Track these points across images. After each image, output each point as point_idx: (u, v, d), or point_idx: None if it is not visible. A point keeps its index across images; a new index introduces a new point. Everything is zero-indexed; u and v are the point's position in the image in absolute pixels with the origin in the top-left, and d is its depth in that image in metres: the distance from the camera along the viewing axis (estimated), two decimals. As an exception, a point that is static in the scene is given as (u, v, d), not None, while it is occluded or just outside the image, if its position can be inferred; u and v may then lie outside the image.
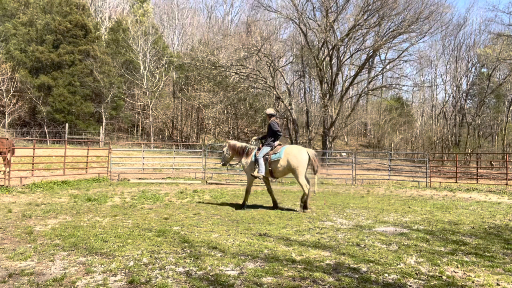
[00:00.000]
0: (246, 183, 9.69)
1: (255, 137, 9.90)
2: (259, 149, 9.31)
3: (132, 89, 38.64)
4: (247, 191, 9.50)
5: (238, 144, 9.65)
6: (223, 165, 9.74)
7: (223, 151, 9.62)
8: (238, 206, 9.62)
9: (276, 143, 9.31)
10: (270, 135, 9.26)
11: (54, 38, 35.43)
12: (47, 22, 36.21)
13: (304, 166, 8.95)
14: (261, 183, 16.86)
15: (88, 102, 35.37)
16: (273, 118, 9.35)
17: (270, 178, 9.62)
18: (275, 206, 9.53)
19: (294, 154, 9.00)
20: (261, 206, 9.92)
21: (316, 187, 9.45)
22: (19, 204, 9.24)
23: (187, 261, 5.02)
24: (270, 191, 9.69)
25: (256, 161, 9.13)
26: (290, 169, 9.03)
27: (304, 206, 9.12)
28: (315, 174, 9.24)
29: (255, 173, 9.05)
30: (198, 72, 40.20)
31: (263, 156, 9.09)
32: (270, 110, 9.43)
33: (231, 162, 10.14)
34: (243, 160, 9.46)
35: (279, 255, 5.42)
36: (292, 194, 13.05)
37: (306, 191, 9.01)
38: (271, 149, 9.18)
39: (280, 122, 9.90)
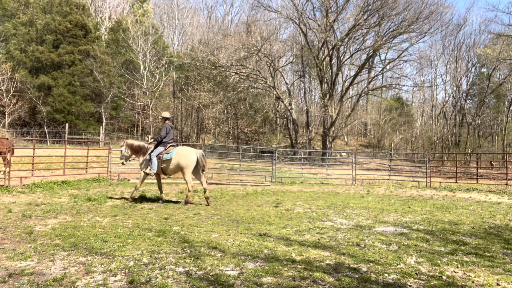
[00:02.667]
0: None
1: (151, 137, 10.59)
2: (154, 148, 10.01)
3: (132, 89, 38.63)
4: (138, 186, 10.15)
5: (136, 143, 10.30)
6: (122, 163, 10.32)
7: (121, 151, 10.16)
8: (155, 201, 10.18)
9: (169, 144, 10.04)
10: (163, 136, 9.97)
11: (54, 38, 35.43)
12: (47, 22, 36.21)
13: (192, 165, 9.83)
14: (261, 183, 16.86)
15: (88, 102, 35.37)
16: (167, 122, 10.14)
17: (162, 175, 10.32)
18: (160, 200, 10.22)
19: (184, 155, 9.83)
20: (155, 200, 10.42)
21: (205, 184, 10.18)
22: (19, 204, 9.24)
23: (187, 261, 5.02)
24: (160, 187, 10.38)
25: (150, 159, 9.87)
26: (180, 168, 9.86)
27: (186, 202, 9.89)
28: (202, 172, 10.19)
29: (147, 170, 9.89)
30: (198, 72, 40.20)
31: (157, 155, 9.82)
32: (166, 114, 10.31)
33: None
34: (141, 158, 10.14)
35: (279, 255, 5.42)
36: (292, 194, 13.05)
37: (190, 188, 9.89)
38: (165, 149, 9.92)
39: (173, 126, 10.64)
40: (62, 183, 13.17)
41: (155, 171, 9.76)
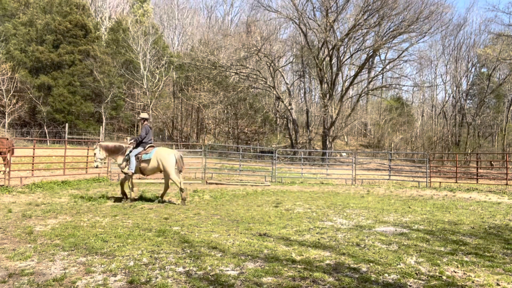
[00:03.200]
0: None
1: (130, 137, 10.74)
2: (133, 148, 10.11)
3: (132, 89, 38.63)
4: (130, 186, 10.20)
5: (111, 144, 10.40)
6: (96, 166, 10.31)
7: (95, 153, 10.11)
8: (119, 199, 10.22)
9: (148, 144, 10.16)
10: (143, 137, 10.07)
11: (54, 38, 35.44)
12: (47, 22, 36.21)
13: (172, 166, 9.96)
14: (261, 183, 16.86)
15: (88, 102, 35.38)
16: (146, 122, 10.28)
17: (139, 175, 10.50)
18: (125, 197, 10.29)
19: (163, 155, 9.96)
20: (150, 200, 10.47)
21: (182, 185, 10.27)
22: (19, 204, 9.24)
23: (187, 261, 5.02)
24: (131, 186, 10.36)
25: (128, 159, 9.98)
26: (159, 169, 10.01)
27: (183, 200, 10.01)
28: (180, 172, 10.32)
29: (125, 170, 9.96)
30: (198, 72, 40.20)
31: (135, 155, 9.93)
32: (144, 115, 10.49)
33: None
34: (118, 158, 10.20)
35: (279, 255, 5.42)
36: (292, 194, 13.05)
37: (181, 186, 10.01)
38: (144, 150, 10.05)
39: (152, 126, 10.71)
40: (62, 183, 13.17)
41: (133, 171, 9.86)
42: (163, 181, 15.97)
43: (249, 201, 10.95)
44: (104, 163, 10.75)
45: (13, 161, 14.43)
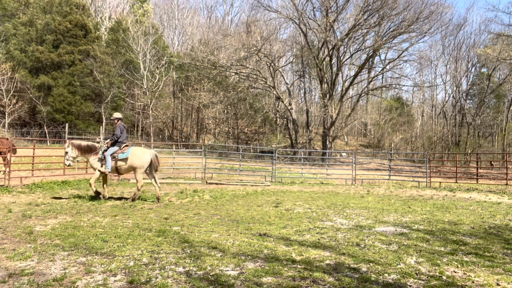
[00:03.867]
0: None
1: (102, 137, 10.86)
2: (107, 148, 10.15)
3: (132, 89, 38.63)
4: (91, 184, 10.21)
5: (84, 143, 10.43)
6: (68, 165, 10.32)
7: (67, 152, 10.13)
8: (92, 198, 10.23)
9: (124, 144, 10.33)
10: (118, 136, 10.19)
11: (54, 38, 35.43)
12: (47, 22, 36.21)
13: (145, 165, 10.23)
14: (261, 183, 16.86)
15: (88, 102, 35.38)
16: (120, 122, 10.41)
17: (114, 174, 10.59)
18: (98, 196, 10.25)
19: (138, 155, 10.17)
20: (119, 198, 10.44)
21: (157, 183, 10.56)
22: (19, 204, 9.24)
23: (187, 261, 5.02)
24: (104, 185, 10.48)
25: (104, 158, 10.06)
26: (133, 167, 10.16)
27: (133, 199, 10.16)
28: (156, 172, 10.59)
29: (102, 169, 10.03)
30: (198, 72, 40.20)
31: (111, 154, 10.04)
32: (118, 114, 10.63)
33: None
34: (91, 157, 10.26)
35: (279, 255, 5.42)
36: (292, 194, 13.05)
37: (139, 187, 10.19)
38: (119, 149, 10.18)
39: (126, 126, 10.79)
40: (62, 183, 13.17)
41: (109, 170, 9.98)
42: (163, 180, 16.00)
43: (249, 201, 10.95)
44: (77, 161, 10.78)
45: (13, 161, 14.43)
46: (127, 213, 8.34)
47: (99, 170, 10.09)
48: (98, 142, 10.46)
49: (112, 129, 38.26)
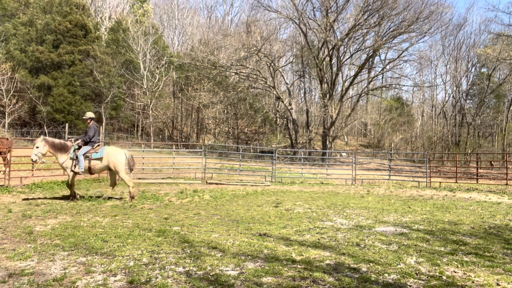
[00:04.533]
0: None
1: (74, 137, 10.76)
2: (79, 147, 10.03)
3: (132, 89, 38.63)
4: (71, 185, 10.06)
5: (57, 140, 10.20)
6: (35, 161, 9.85)
7: (37, 147, 9.73)
8: (66, 198, 10.16)
9: (97, 143, 10.29)
10: (91, 136, 10.14)
11: (54, 38, 35.44)
12: (47, 22, 36.21)
13: (122, 164, 10.24)
14: (261, 183, 16.86)
15: (88, 102, 35.38)
16: (93, 122, 10.37)
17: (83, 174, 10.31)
18: (73, 197, 10.10)
19: (113, 154, 10.18)
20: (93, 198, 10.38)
21: (132, 182, 10.57)
22: (19, 204, 9.24)
23: (187, 261, 5.02)
24: (72, 185, 10.20)
25: (76, 158, 9.93)
26: (109, 167, 10.19)
27: (132, 197, 10.16)
28: (131, 171, 10.68)
29: (76, 169, 9.90)
30: (198, 72, 40.20)
31: (84, 154, 9.93)
32: (90, 114, 10.55)
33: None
34: (62, 156, 10.01)
35: (279, 255, 5.42)
36: (292, 194, 13.05)
37: (131, 184, 10.24)
38: (92, 148, 10.12)
39: (98, 126, 10.92)
40: (62, 183, 13.16)
41: (82, 170, 9.88)
42: (163, 180, 16.00)
43: (249, 201, 10.95)
44: (42, 160, 10.50)
45: (13, 161, 14.43)
46: (127, 213, 8.34)
47: (72, 171, 9.91)
48: (70, 141, 10.30)
49: (112, 129, 38.28)
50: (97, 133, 10.33)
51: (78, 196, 10.13)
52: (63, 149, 10.00)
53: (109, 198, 10.39)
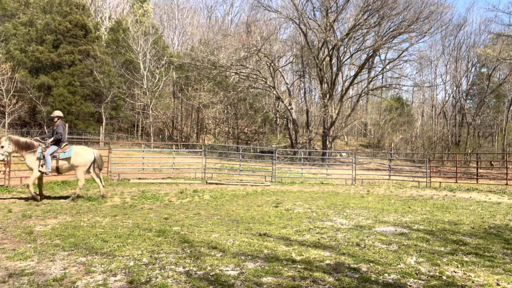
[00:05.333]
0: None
1: (40, 136, 10.55)
2: (46, 147, 9.87)
3: (132, 89, 38.62)
4: (39, 185, 10.02)
5: (22, 139, 9.99)
6: (2, 160, 9.80)
7: (2, 146, 9.61)
8: (28, 199, 9.96)
9: (64, 143, 10.16)
10: (60, 136, 9.99)
11: (54, 38, 35.42)
12: (47, 22, 36.20)
13: (87, 164, 10.22)
14: (261, 183, 16.85)
15: (88, 102, 35.37)
16: (60, 120, 10.23)
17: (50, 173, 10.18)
18: (41, 198, 10.02)
19: (81, 154, 10.16)
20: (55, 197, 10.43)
21: (102, 182, 10.67)
22: (19, 204, 9.24)
23: (187, 261, 5.02)
24: (40, 185, 10.22)
25: (43, 158, 9.78)
26: (76, 166, 10.10)
27: (78, 196, 10.13)
28: (100, 171, 10.67)
29: (43, 169, 9.76)
30: (198, 72, 40.20)
31: (51, 154, 9.79)
32: (59, 113, 10.36)
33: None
34: (28, 155, 9.84)
35: (279, 255, 5.42)
36: (292, 194, 13.05)
37: (81, 186, 10.23)
38: (59, 148, 9.99)
39: (65, 125, 10.83)
40: (62, 183, 13.17)
41: (49, 170, 9.74)
42: (163, 180, 16.01)
43: (249, 201, 10.95)
44: (13, 156, 10.50)
45: (13, 161, 14.42)
46: (127, 213, 8.34)
47: (39, 171, 9.74)
48: (37, 140, 10.07)
49: (112, 129, 38.27)
50: (65, 132, 10.26)
51: (42, 198, 9.89)
52: (29, 148, 9.80)
53: (103, 196, 10.35)
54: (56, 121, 10.18)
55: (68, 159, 9.96)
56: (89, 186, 13.39)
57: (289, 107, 36.54)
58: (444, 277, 4.67)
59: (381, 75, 45.12)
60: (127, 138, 39.00)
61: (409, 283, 4.46)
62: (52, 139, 9.96)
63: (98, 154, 10.51)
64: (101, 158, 10.63)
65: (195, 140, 43.57)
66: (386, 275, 4.72)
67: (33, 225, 6.89)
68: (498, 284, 4.48)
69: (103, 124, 35.87)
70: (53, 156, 9.82)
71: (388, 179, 19.25)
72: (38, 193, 10.09)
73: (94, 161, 10.35)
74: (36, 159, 9.75)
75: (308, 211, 9.37)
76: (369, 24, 32.58)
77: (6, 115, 32.32)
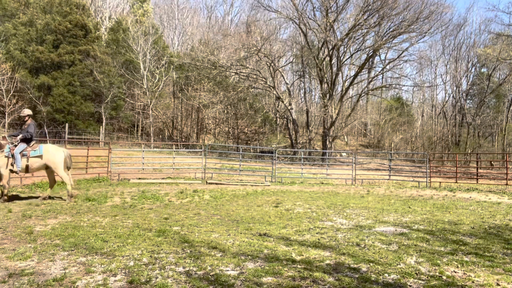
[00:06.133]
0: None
1: (8, 134, 10.47)
2: (14, 145, 9.72)
3: (132, 89, 38.62)
4: (3, 185, 9.74)
5: None
6: None
7: None
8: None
9: (33, 141, 10.08)
10: (30, 134, 9.87)
11: (54, 38, 35.42)
12: (47, 22, 36.20)
13: (61, 162, 10.13)
14: (261, 183, 16.84)
15: (88, 102, 35.36)
16: (30, 119, 10.15)
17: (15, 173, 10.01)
18: (6, 198, 9.75)
19: (52, 152, 10.08)
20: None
21: (71, 181, 10.54)
22: (19, 204, 9.24)
23: (187, 261, 5.02)
24: (6, 184, 10.03)
25: (11, 156, 9.60)
26: (47, 165, 10.01)
27: (72, 196, 10.01)
28: (68, 170, 10.56)
29: (14, 168, 9.60)
30: (198, 72, 40.20)
31: (21, 152, 9.63)
32: (28, 111, 10.24)
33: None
34: None
35: (279, 255, 5.42)
36: (292, 194, 13.05)
37: (68, 181, 10.18)
38: (28, 146, 9.84)
39: (35, 123, 10.68)
40: (62, 183, 13.15)
41: (20, 168, 9.57)
42: (163, 180, 16.01)
43: (249, 201, 10.95)
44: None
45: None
46: (127, 213, 8.34)
47: (10, 170, 9.57)
48: (4, 138, 9.90)
49: (112, 129, 38.27)
50: (35, 130, 10.13)
51: (6, 198, 9.65)
52: None
53: (50, 197, 10.12)
54: (26, 120, 10.04)
55: (39, 157, 9.80)
56: (89, 186, 13.39)
57: (289, 107, 36.54)
58: (444, 277, 4.67)
59: (381, 75, 45.14)
60: (127, 138, 39.00)
61: (409, 283, 4.46)
62: (20, 136, 9.77)
63: (68, 153, 10.50)
64: (70, 157, 10.58)
65: (195, 140, 43.57)
66: (386, 275, 4.72)
67: (33, 225, 6.89)
68: (498, 284, 4.48)
69: (103, 124, 35.86)
70: (23, 155, 9.62)
71: (388, 179, 19.25)
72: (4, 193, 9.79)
73: (64, 160, 10.27)
74: (3, 158, 9.53)
75: (308, 211, 9.37)
76: (369, 24, 32.58)
77: (6, 115, 32.31)
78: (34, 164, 9.82)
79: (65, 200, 10.02)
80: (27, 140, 9.86)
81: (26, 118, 10.09)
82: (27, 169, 9.83)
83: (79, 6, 37.81)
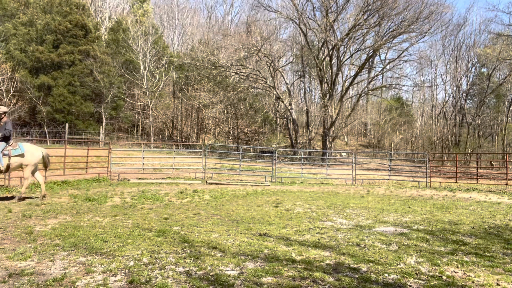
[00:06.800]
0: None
1: None
2: None
3: (132, 89, 38.63)
4: None
5: None
6: None
7: None
8: None
9: (11, 140, 9.98)
10: (9, 132, 9.74)
11: (54, 38, 35.43)
12: (47, 22, 36.20)
13: (36, 162, 10.13)
14: (261, 183, 16.84)
15: (88, 102, 35.37)
16: (7, 116, 9.97)
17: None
18: None
19: (32, 151, 10.07)
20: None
21: (43, 181, 10.55)
22: (19, 204, 9.24)
23: (187, 261, 5.02)
24: None
25: None
26: (25, 164, 9.90)
27: (24, 198, 9.84)
28: (46, 169, 10.80)
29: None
30: (198, 72, 40.20)
31: (2, 151, 9.55)
32: (4, 108, 9.97)
33: None
34: None
35: (279, 255, 5.41)
36: (292, 194, 13.04)
37: (27, 185, 10.07)
38: (8, 145, 9.72)
39: (12, 121, 10.56)
40: (62, 183, 13.16)
41: (4, 167, 9.45)
42: (163, 180, 16.01)
43: (249, 201, 10.95)
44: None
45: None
46: (127, 213, 8.34)
47: None
48: None
49: (112, 129, 38.27)
50: (12, 128, 9.98)
51: None
52: None
53: (24, 198, 9.96)
54: (2, 117, 9.76)
55: (21, 155, 9.71)
56: (89, 186, 13.39)
57: (289, 107, 36.54)
58: (444, 277, 4.67)
59: (381, 75, 45.15)
60: (127, 138, 39.00)
61: (409, 283, 4.46)
62: (0, 134, 9.61)
63: (46, 152, 10.48)
64: (48, 157, 10.53)
65: (195, 140, 43.56)
66: (386, 275, 4.72)
67: (33, 225, 6.89)
68: (498, 284, 4.48)
69: (103, 124, 35.86)
70: (4, 154, 9.48)
71: (388, 179, 19.25)
72: None
73: (42, 159, 10.25)
74: None
75: (308, 211, 9.37)
76: (369, 24, 32.59)
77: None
78: (15, 163, 9.69)
79: (37, 198, 10.04)
80: (5, 139, 9.67)
81: (3, 115, 9.79)
82: (7, 169, 9.67)
83: (79, 6, 37.81)
